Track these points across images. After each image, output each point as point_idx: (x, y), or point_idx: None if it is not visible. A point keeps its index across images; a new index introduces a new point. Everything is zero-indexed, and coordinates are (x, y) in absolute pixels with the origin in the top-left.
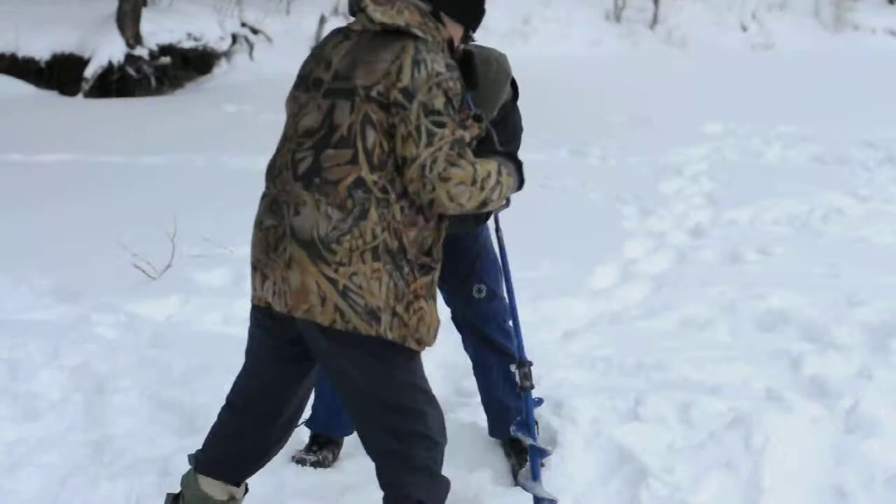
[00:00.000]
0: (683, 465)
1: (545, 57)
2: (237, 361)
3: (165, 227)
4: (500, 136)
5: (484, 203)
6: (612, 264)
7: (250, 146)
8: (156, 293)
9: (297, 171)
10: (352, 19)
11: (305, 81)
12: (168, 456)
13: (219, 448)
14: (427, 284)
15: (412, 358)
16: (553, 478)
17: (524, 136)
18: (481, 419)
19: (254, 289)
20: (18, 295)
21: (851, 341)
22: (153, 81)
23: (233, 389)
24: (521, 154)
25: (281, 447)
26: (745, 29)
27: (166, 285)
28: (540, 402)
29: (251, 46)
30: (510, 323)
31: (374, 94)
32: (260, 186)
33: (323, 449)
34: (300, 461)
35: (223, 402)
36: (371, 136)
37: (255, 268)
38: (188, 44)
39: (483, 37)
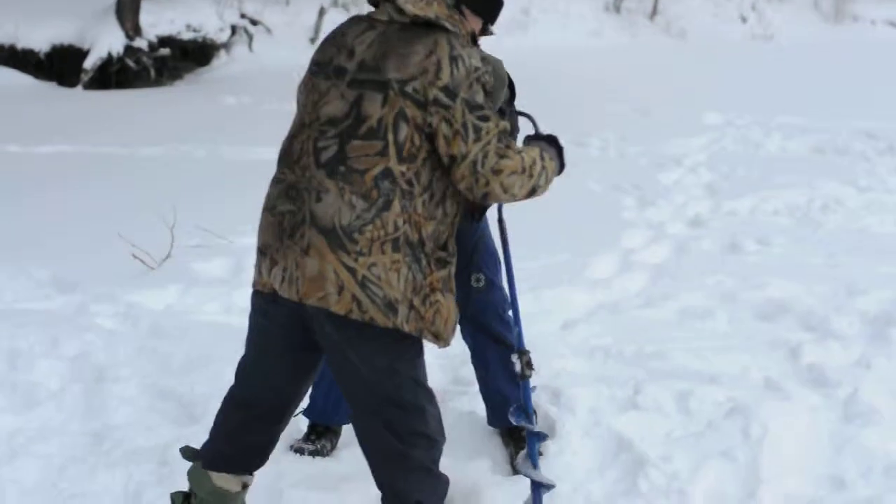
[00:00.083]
0: (682, 454)
1: (545, 48)
2: (236, 351)
3: (164, 217)
4: None
5: (533, 190)
6: (612, 254)
7: (249, 137)
8: (155, 283)
9: (319, 158)
10: (354, 11)
11: (325, 69)
12: (167, 445)
13: (227, 443)
14: (444, 278)
15: (419, 354)
16: (551, 467)
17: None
18: (480, 408)
19: (259, 274)
20: (18, 285)
21: (850, 330)
22: (152, 73)
23: (236, 380)
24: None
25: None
26: (744, 20)
27: (165, 275)
28: (533, 388)
29: (250, 38)
30: (509, 313)
31: (409, 89)
32: (259, 176)
33: (321, 438)
34: (298, 450)
35: (222, 391)
36: (404, 130)
37: (263, 253)
38: (187, 35)
39: None
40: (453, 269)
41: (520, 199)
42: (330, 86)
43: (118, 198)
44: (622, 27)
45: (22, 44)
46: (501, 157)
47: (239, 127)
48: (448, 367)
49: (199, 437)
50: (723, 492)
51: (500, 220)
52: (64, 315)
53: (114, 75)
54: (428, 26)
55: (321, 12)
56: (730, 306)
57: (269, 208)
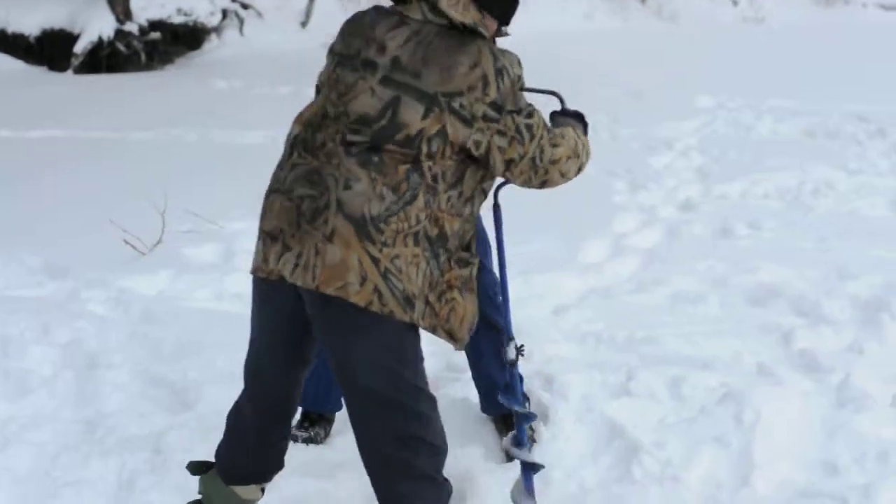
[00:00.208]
0: (675, 440)
1: (538, 31)
2: (228, 337)
3: (156, 202)
4: None
5: (580, 168)
6: (603, 239)
7: (240, 121)
8: (146, 269)
9: (350, 149)
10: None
11: (352, 60)
12: (160, 432)
13: (247, 456)
14: (464, 278)
15: (421, 360)
16: (544, 453)
17: None
18: (472, 395)
19: (264, 260)
20: (8, 271)
21: (842, 315)
22: (143, 57)
23: (247, 381)
24: None
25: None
26: (735, 3)
27: (157, 261)
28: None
29: (241, 22)
30: (500, 297)
31: (456, 105)
32: (250, 160)
33: (314, 426)
34: (292, 438)
35: (215, 377)
36: (438, 144)
37: (273, 237)
38: (178, 19)
39: None
40: (475, 271)
41: (571, 180)
42: (357, 78)
43: (109, 182)
44: (614, 11)
45: (12, 28)
46: (555, 146)
47: (230, 111)
48: (440, 353)
49: (191, 424)
50: (716, 477)
51: (496, 206)
52: (55, 301)
53: (104, 59)
54: (465, 31)
55: None
56: (721, 291)
57: (284, 191)
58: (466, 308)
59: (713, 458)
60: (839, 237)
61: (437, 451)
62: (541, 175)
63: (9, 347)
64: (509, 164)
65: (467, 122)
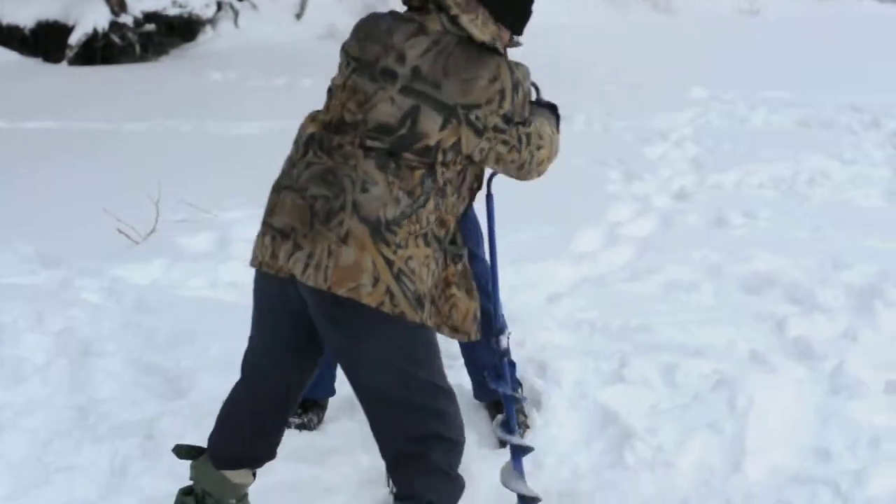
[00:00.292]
0: (668, 427)
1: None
2: (222, 325)
3: (149, 192)
4: None
5: (551, 161)
6: (597, 228)
7: (235, 113)
8: (140, 258)
9: (368, 151)
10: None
11: (370, 68)
12: (152, 419)
13: (240, 443)
14: (460, 273)
15: (437, 355)
16: (537, 440)
17: None
18: (466, 382)
19: (272, 256)
20: (2, 260)
21: (836, 303)
22: (138, 49)
23: (244, 373)
24: None
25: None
26: None
27: (150, 250)
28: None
29: (236, 13)
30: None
31: (472, 117)
32: (244, 152)
33: (308, 412)
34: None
35: (208, 366)
36: (452, 153)
37: (284, 235)
38: (173, 11)
39: None
40: (466, 262)
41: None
42: (377, 88)
43: (103, 173)
44: (609, 3)
45: (7, 20)
46: (539, 148)
47: (224, 102)
48: None
49: (184, 411)
50: (709, 464)
51: (489, 196)
52: (49, 290)
53: (99, 51)
54: (486, 46)
55: None
56: (715, 279)
57: (297, 189)
58: (466, 303)
59: (706, 444)
60: (834, 227)
61: (454, 445)
62: (523, 175)
63: (2, 335)
64: (499, 162)
65: (479, 132)
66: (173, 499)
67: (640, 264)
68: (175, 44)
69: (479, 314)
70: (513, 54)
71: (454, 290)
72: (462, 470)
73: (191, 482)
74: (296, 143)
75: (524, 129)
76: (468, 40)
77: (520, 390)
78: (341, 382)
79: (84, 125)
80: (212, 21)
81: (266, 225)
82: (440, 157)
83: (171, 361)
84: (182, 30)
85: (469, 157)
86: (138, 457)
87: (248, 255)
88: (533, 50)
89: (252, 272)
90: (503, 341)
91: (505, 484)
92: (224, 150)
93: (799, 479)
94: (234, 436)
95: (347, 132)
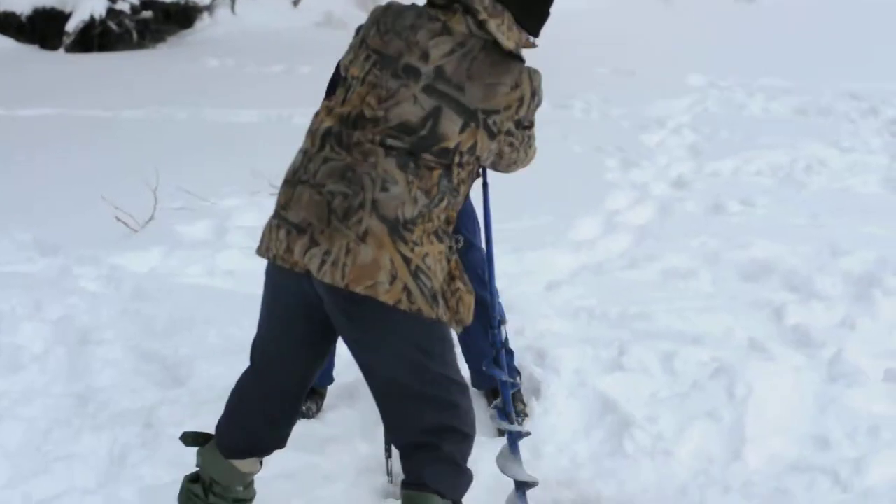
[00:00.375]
0: (667, 415)
1: None
2: (220, 313)
3: (147, 180)
4: None
5: None
6: (595, 216)
7: (232, 100)
8: (138, 246)
9: (389, 150)
10: None
11: (392, 64)
12: (151, 407)
13: (245, 433)
14: (458, 264)
15: (451, 349)
16: (536, 428)
17: None
18: (464, 370)
19: (287, 250)
20: (0, 248)
21: (834, 291)
22: (135, 35)
23: (253, 362)
24: None
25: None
26: None
27: (148, 238)
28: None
29: (233, 0)
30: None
31: (490, 121)
32: (242, 139)
33: (306, 400)
34: None
35: (206, 353)
36: (468, 155)
37: (300, 230)
38: None
39: None
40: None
41: None
42: (400, 86)
43: (101, 160)
44: None
45: (4, 7)
46: (530, 147)
47: (221, 89)
48: None
49: (183, 399)
50: (708, 451)
51: (485, 185)
52: (47, 278)
53: (96, 38)
54: (509, 52)
55: None
56: (713, 267)
57: (314, 185)
58: (469, 296)
59: (705, 432)
60: (832, 214)
61: (465, 438)
62: (508, 169)
63: (1, 323)
64: (499, 158)
65: (492, 135)
66: (172, 487)
67: (638, 252)
68: (172, 31)
69: (473, 304)
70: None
71: (457, 283)
72: None
73: (196, 468)
74: (311, 135)
75: (528, 132)
76: (493, 45)
77: (518, 378)
78: (340, 371)
79: (81, 112)
80: (209, 8)
81: (280, 218)
82: (457, 159)
83: (169, 349)
84: (179, 17)
85: (479, 157)
86: (137, 445)
87: (245, 244)
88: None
89: (249, 261)
90: (502, 332)
91: (502, 470)
92: (221, 138)
93: (798, 468)
94: (243, 426)
95: (367, 127)
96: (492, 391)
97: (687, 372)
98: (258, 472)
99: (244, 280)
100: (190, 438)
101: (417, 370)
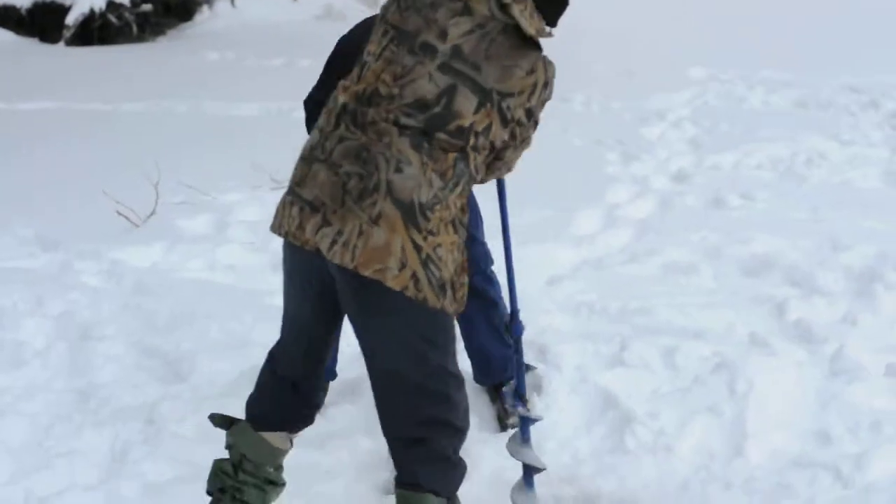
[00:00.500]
0: (668, 410)
1: None
2: (221, 307)
3: (148, 174)
4: None
5: None
6: (596, 210)
7: (232, 93)
8: (139, 241)
9: (403, 129)
10: None
11: (410, 41)
12: (153, 403)
13: (280, 407)
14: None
15: (452, 341)
16: (538, 424)
17: None
18: (466, 365)
19: (299, 227)
20: (1, 243)
21: (835, 286)
22: (135, 29)
23: (282, 332)
24: None
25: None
26: None
27: (150, 233)
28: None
29: None
30: (492, 268)
31: (504, 105)
32: (243, 133)
33: None
34: None
35: (208, 348)
36: (483, 138)
37: (314, 208)
38: None
39: None
40: None
41: None
42: (416, 63)
43: (101, 154)
44: None
45: (3, 0)
46: (526, 144)
47: (221, 82)
48: None
49: (184, 394)
50: (709, 447)
51: (500, 181)
52: (48, 273)
53: (96, 31)
54: (528, 37)
55: None
56: (714, 262)
57: (330, 164)
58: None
59: (706, 427)
60: (832, 208)
61: (457, 431)
62: (490, 174)
63: (2, 319)
64: (498, 154)
65: (506, 122)
66: (174, 484)
67: (639, 246)
68: (172, 24)
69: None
70: None
71: (465, 277)
72: (463, 453)
73: (226, 451)
74: (327, 113)
75: (533, 132)
76: (512, 29)
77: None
78: (342, 367)
79: (81, 106)
80: (209, 1)
81: (294, 195)
82: (472, 141)
83: (170, 344)
84: (179, 10)
85: (493, 143)
86: (139, 441)
87: (246, 239)
88: None
89: (250, 256)
90: (519, 329)
91: (511, 453)
92: (222, 131)
93: (799, 463)
94: (271, 394)
95: (381, 104)
96: (494, 387)
97: (688, 367)
98: (288, 451)
99: (245, 275)
100: (218, 419)
101: (418, 359)
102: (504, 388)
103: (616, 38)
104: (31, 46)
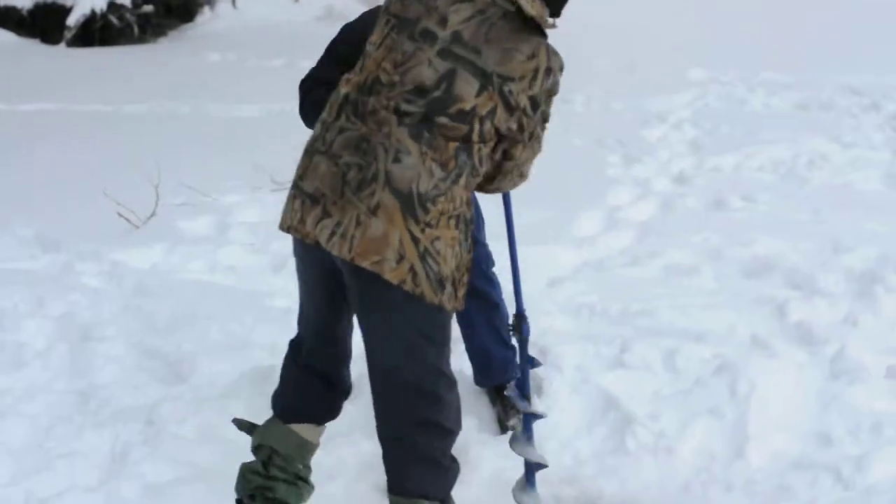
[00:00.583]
0: (669, 412)
1: None
2: (222, 309)
3: (149, 175)
4: None
5: None
6: (597, 211)
7: (233, 94)
8: (140, 242)
9: (403, 119)
10: None
11: (409, 27)
12: (153, 404)
13: (304, 398)
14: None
15: (447, 340)
16: (539, 426)
17: None
18: (466, 367)
19: (300, 221)
20: (2, 244)
21: (836, 288)
22: (136, 30)
23: (298, 334)
24: None
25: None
26: None
27: (150, 234)
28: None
29: None
30: (493, 269)
31: (506, 90)
32: (244, 134)
33: None
34: None
35: (208, 349)
36: (488, 124)
37: (314, 200)
38: None
39: None
40: None
41: None
42: (416, 49)
43: (102, 155)
44: None
45: (4, 1)
46: (538, 145)
47: (223, 83)
48: None
49: (185, 395)
50: (710, 449)
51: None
52: (49, 274)
53: (97, 32)
54: (527, 20)
55: None
56: (716, 263)
57: (330, 155)
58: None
59: (707, 429)
60: (833, 210)
61: (448, 433)
62: (515, 181)
63: (3, 320)
64: (505, 156)
65: (511, 109)
66: (174, 485)
67: (640, 248)
68: (173, 25)
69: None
70: None
71: (467, 276)
72: (462, 454)
73: (252, 452)
74: (330, 105)
75: (541, 131)
76: (514, 14)
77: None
78: None
79: (82, 107)
80: (210, 2)
81: (297, 188)
82: (476, 126)
83: (171, 345)
84: (180, 11)
85: (498, 131)
86: (139, 442)
87: (247, 240)
88: None
89: (250, 257)
90: (525, 330)
91: (514, 450)
92: (222, 132)
93: (800, 465)
94: (295, 384)
95: (381, 92)
96: (495, 389)
97: (689, 369)
98: (316, 446)
99: (246, 276)
100: (246, 424)
101: (416, 356)
102: (507, 392)
103: (618, 34)
104: (32, 47)
